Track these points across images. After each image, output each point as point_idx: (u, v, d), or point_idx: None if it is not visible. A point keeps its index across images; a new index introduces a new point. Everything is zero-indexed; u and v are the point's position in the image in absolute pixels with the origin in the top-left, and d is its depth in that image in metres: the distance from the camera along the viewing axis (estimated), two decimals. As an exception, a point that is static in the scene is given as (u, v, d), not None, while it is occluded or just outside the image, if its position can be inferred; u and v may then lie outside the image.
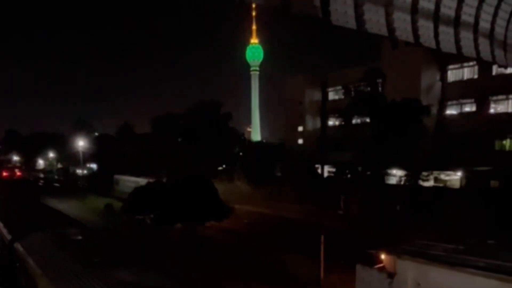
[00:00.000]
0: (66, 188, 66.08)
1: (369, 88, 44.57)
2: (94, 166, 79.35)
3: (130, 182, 48.66)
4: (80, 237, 17.07)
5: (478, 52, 6.87)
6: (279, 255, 24.39)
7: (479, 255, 11.56)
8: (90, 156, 74.10)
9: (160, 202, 27.47)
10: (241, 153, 60.59)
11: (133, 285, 13.12)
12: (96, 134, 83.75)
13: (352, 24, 5.27)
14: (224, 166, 60.18)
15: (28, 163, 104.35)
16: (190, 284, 19.72)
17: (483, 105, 41.77)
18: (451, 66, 44.53)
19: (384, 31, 5.60)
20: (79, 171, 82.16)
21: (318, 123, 62.53)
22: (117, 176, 55.07)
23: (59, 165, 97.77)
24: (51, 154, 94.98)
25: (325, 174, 45.18)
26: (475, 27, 6.54)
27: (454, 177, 40.07)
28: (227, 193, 34.46)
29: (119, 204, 35.59)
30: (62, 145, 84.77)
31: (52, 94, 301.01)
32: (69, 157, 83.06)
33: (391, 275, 12.74)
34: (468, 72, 43.74)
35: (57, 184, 75.09)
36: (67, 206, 45.64)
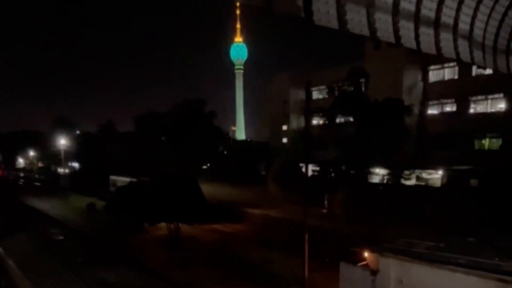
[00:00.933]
0: (47, 188, 64.93)
1: (352, 88, 45.00)
2: (76, 165, 78.16)
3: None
4: (61, 237, 16.84)
5: (457, 53, 6.99)
6: (265, 254, 24.44)
7: (460, 252, 11.79)
8: (72, 155, 72.97)
9: (143, 201, 27.23)
10: (225, 152, 60.54)
11: (116, 285, 13.01)
12: (78, 132, 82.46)
13: (334, 24, 5.31)
14: (208, 165, 60.04)
15: (8, 162, 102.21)
16: (174, 283, 19.65)
17: (463, 105, 42.62)
18: (432, 67, 45.30)
19: (366, 31, 5.65)
20: (60, 170, 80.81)
21: (302, 122, 62.71)
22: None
23: (40, 164, 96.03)
24: (32, 153, 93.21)
25: (309, 173, 45.46)
26: (455, 28, 6.64)
27: (435, 176, 40.84)
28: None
29: (102, 204, 35.22)
30: (43, 143, 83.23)
31: (34, 92, 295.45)
32: (50, 156, 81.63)
33: (374, 273, 12.89)
34: (448, 72, 44.57)
35: (38, 183, 73.70)
36: (48, 206, 44.88)
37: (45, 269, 12.71)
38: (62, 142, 69.73)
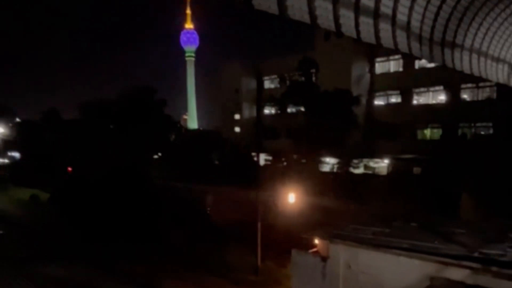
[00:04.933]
0: (-17, 179, 60.85)
1: (303, 78, 45.67)
2: (16, 154, 73.77)
3: None
4: (1, 232, 15.93)
5: (396, 43, 7.15)
6: (221, 246, 24.38)
7: (403, 237, 12.46)
8: (12, 144, 68.74)
9: (87, 195, 26.18)
10: (177, 141, 59.54)
11: (62, 280, 12.54)
12: (18, 120, 77.59)
13: (274, 9, 5.23)
14: (159, 154, 58.82)
15: None
16: (125, 276, 19.22)
17: (407, 96, 44.55)
18: (378, 59, 46.69)
19: (306, 18, 5.63)
20: (-1, 160, 75.98)
21: (255, 112, 63.00)
22: None
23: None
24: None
25: (262, 162, 45.85)
26: (393, 19, 6.78)
27: (382, 165, 42.61)
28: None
29: (46, 195, 33.56)
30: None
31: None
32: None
33: (324, 259, 13.34)
34: (394, 65, 46.25)
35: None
36: (-15, 198, 42.21)
37: (-16, 266, 12.01)
38: (0, 130, 65.44)
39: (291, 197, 21.52)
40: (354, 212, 25.47)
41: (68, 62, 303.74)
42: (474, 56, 9.24)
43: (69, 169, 49.12)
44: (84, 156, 48.54)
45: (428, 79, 41.66)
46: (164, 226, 28.32)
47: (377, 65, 47.31)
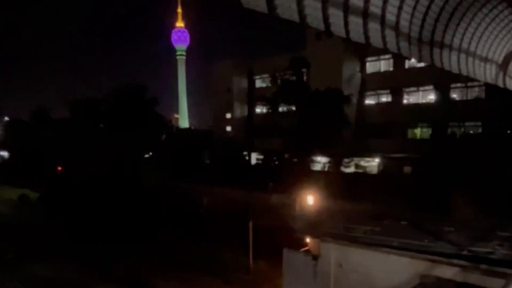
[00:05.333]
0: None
1: (294, 77, 45.73)
2: (5, 154, 72.95)
3: None
4: (-10, 233, 15.74)
5: (385, 43, 7.14)
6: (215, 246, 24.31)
7: (393, 235, 12.54)
8: (0, 143, 68.02)
9: (77, 195, 25.95)
10: (168, 140, 59.30)
11: (50, 280, 12.42)
12: (7, 119, 76.72)
13: (263, 7, 5.20)
14: (150, 153, 58.53)
15: None
16: (116, 276, 19.10)
17: (397, 96, 44.86)
18: (369, 58, 46.86)
19: (295, 17, 5.60)
20: (-13, 160, 75.01)
21: (246, 111, 62.93)
22: None
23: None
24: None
25: (254, 162, 45.85)
26: (382, 18, 6.79)
27: (373, 164, 42.85)
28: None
29: (36, 195, 33.22)
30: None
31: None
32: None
33: (315, 258, 13.38)
34: (384, 64, 46.50)
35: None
36: (-27, 199, 41.62)
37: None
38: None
39: (310, 199, 20.86)
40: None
41: (58, 61, 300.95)
42: (462, 56, 9.31)
43: (59, 168, 48.64)
44: (73, 155, 48.09)
45: (418, 79, 41.95)
46: (156, 226, 28.24)
47: (368, 64, 47.53)
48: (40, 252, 21.27)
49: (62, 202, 28.32)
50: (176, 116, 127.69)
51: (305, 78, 47.39)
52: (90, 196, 26.51)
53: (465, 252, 10.44)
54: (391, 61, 44.89)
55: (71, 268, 18.64)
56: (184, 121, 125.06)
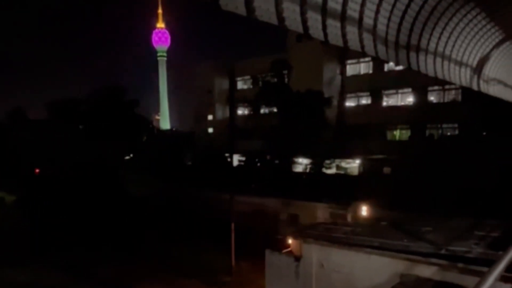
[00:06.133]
0: None
1: (276, 79, 45.94)
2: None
3: None
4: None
5: (362, 46, 7.26)
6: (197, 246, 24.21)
7: (374, 235, 12.75)
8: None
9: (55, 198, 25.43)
10: (149, 142, 58.71)
11: (27, 285, 12.18)
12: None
13: (242, 10, 5.21)
14: (131, 155, 57.83)
15: None
16: (96, 280, 18.81)
17: (377, 98, 45.49)
18: (349, 61, 47.29)
19: (274, 20, 5.63)
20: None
21: (228, 112, 62.79)
22: None
23: None
24: None
25: (235, 163, 45.77)
26: (360, 22, 6.91)
27: (354, 165, 43.32)
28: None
29: (12, 198, 32.42)
30: None
31: None
32: None
33: (297, 258, 13.48)
34: (364, 67, 47.04)
35: None
36: None
37: None
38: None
39: (363, 210, 20.77)
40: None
41: (36, 62, 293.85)
42: (438, 59, 9.54)
43: (37, 170, 47.59)
44: (52, 157, 47.15)
45: (397, 81, 42.62)
46: (138, 229, 27.93)
47: (348, 67, 48.02)
48: (16, 257, 20.76)
49: (40, 205, 27.70)
50: (157, 117, 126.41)
51: (286, 80, 47.66)
52: (68, 199, 26.02)
53: (443, 251, 10.68)
54: (371, 64, 45.46)
55: (48, 273, 18.27)
56: (165, 122, 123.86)
